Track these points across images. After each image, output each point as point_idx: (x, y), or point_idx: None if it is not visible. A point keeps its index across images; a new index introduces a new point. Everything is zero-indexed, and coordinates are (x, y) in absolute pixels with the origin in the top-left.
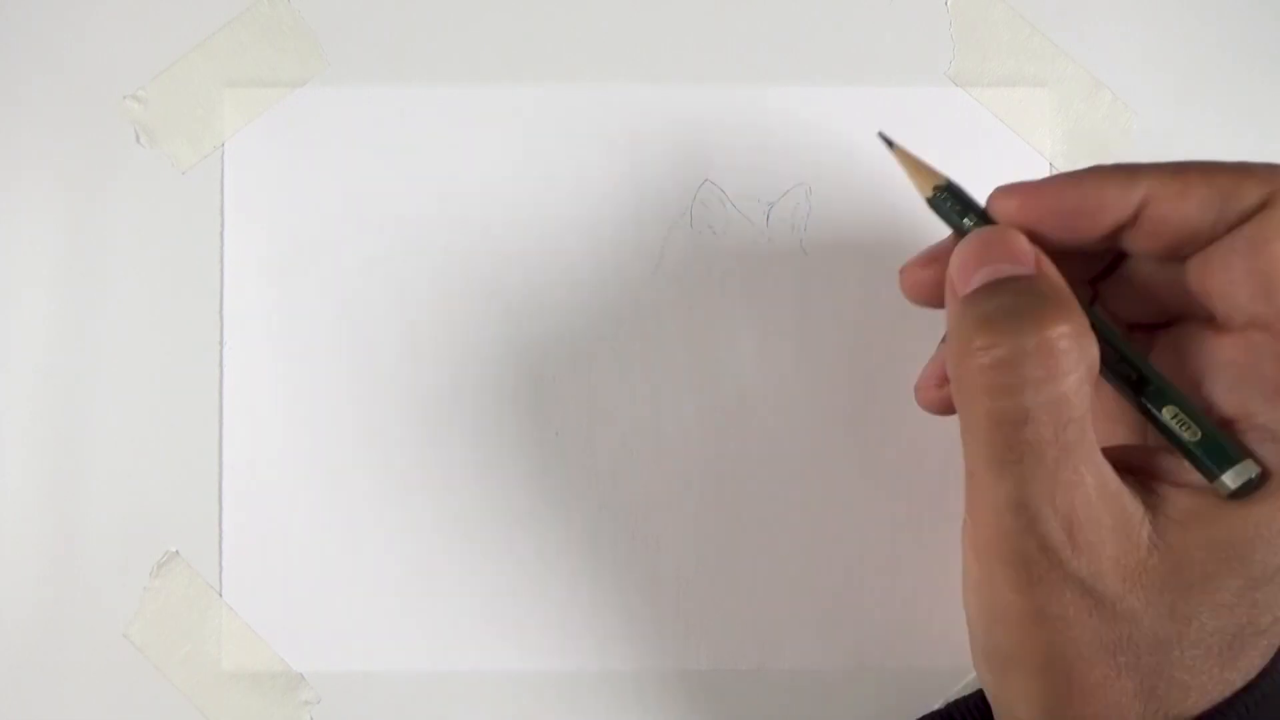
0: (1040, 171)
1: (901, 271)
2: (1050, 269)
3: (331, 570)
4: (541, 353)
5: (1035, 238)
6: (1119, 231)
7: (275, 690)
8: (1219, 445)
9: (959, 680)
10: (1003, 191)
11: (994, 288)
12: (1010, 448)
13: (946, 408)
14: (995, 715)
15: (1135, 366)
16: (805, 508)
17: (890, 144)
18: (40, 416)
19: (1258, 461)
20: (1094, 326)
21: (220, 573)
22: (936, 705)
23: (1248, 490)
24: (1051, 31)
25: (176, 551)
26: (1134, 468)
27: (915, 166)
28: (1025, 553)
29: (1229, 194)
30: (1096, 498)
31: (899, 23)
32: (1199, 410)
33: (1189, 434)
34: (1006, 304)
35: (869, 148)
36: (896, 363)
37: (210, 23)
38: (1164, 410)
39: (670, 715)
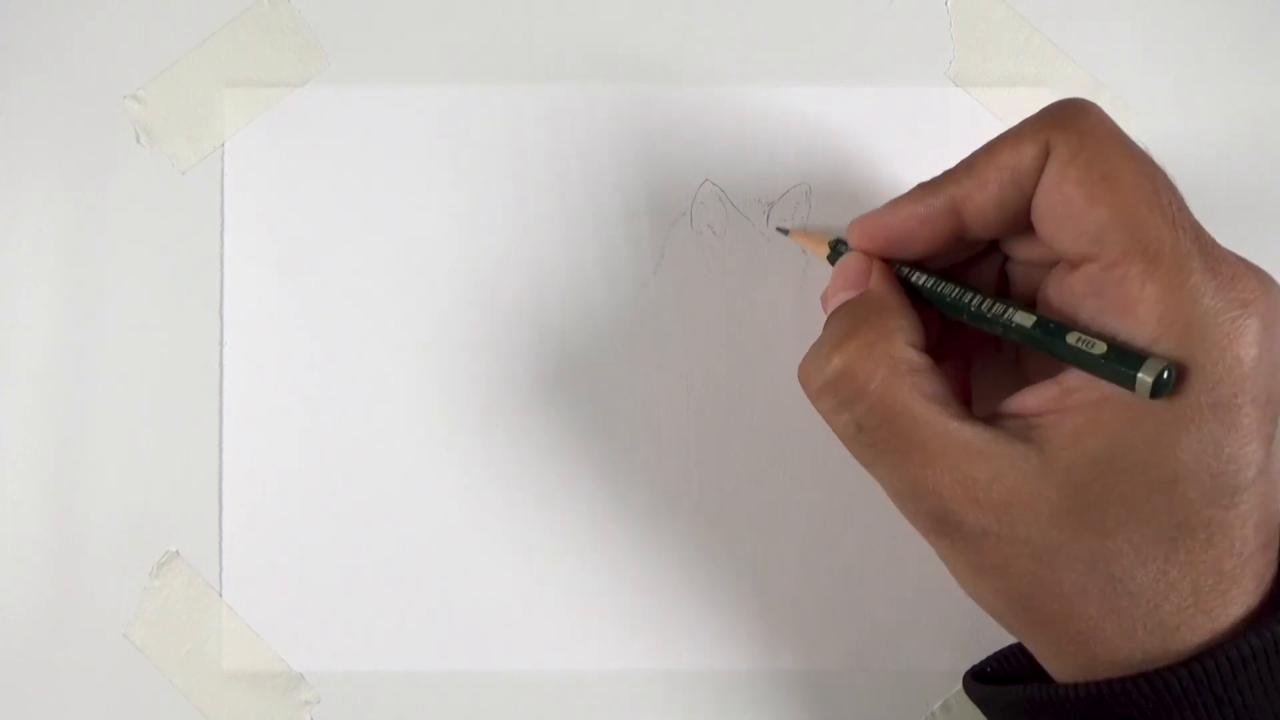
0: None
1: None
2: (877, 284)
3: (331, 570)
4: (541, 352)
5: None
6: (963, 233)
7: (275, 690)
8: (1126, 351)
9: (958, 680)
10: (852, 222)
11: (829, 319)
12: (864, 451)
13: None
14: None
15: (1024, 329)
16: (805, 508)
17: (786, 231)
18: (40, 417)
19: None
20: (989, 314)
21: (220, 573)
22: (934, 706)
23: (1165, 386)
24: (1051, 31)
25: (176, 551)
26: (1011, 413)
27: (809, 238)
28: (929, 526)
29: (1014, 165)
30: (960, 460)
31: (899, 23)
32: (1094, 330)
33: (1097, 350)
34: (825, 334)
35: (869, 148)
36: None
37: (210, 23)
38: (1067, 337)
39: (670, 715)
